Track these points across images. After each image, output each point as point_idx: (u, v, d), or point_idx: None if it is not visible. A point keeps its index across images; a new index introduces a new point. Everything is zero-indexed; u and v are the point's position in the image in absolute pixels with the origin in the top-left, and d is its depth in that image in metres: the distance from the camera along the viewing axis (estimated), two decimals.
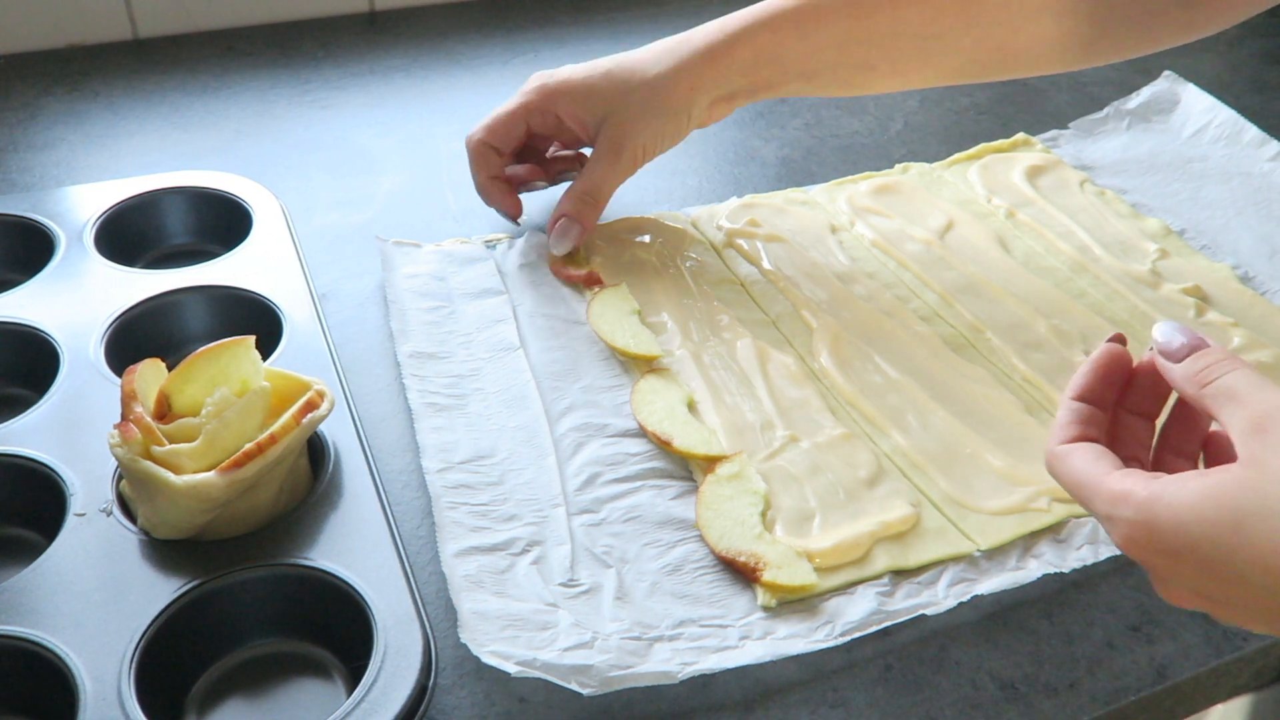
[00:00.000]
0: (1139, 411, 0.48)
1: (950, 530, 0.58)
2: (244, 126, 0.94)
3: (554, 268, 0.76)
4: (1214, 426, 0.46)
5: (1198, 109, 0.92)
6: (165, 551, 0.53)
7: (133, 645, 0.48)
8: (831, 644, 0.52)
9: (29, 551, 0.54)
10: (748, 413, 0.64)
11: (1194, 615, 0.55)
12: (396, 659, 0.48)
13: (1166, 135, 0.92)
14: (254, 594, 0.52)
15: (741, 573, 0.55)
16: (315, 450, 0.59)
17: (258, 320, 0.67)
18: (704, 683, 0.51)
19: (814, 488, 0.60)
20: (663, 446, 0.62)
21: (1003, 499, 0.59)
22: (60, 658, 0.48)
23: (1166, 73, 0.96)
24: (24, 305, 0.68)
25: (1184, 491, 0.40)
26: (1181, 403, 0.46)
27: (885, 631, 0.53)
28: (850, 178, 0.87)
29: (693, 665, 0.50)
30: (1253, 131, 0.89)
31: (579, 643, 0.51)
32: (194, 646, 0.51)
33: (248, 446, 0.52)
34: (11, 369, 0.66)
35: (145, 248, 0.77)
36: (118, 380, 0.57)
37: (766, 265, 0.76)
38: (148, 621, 0.49)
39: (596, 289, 0.73)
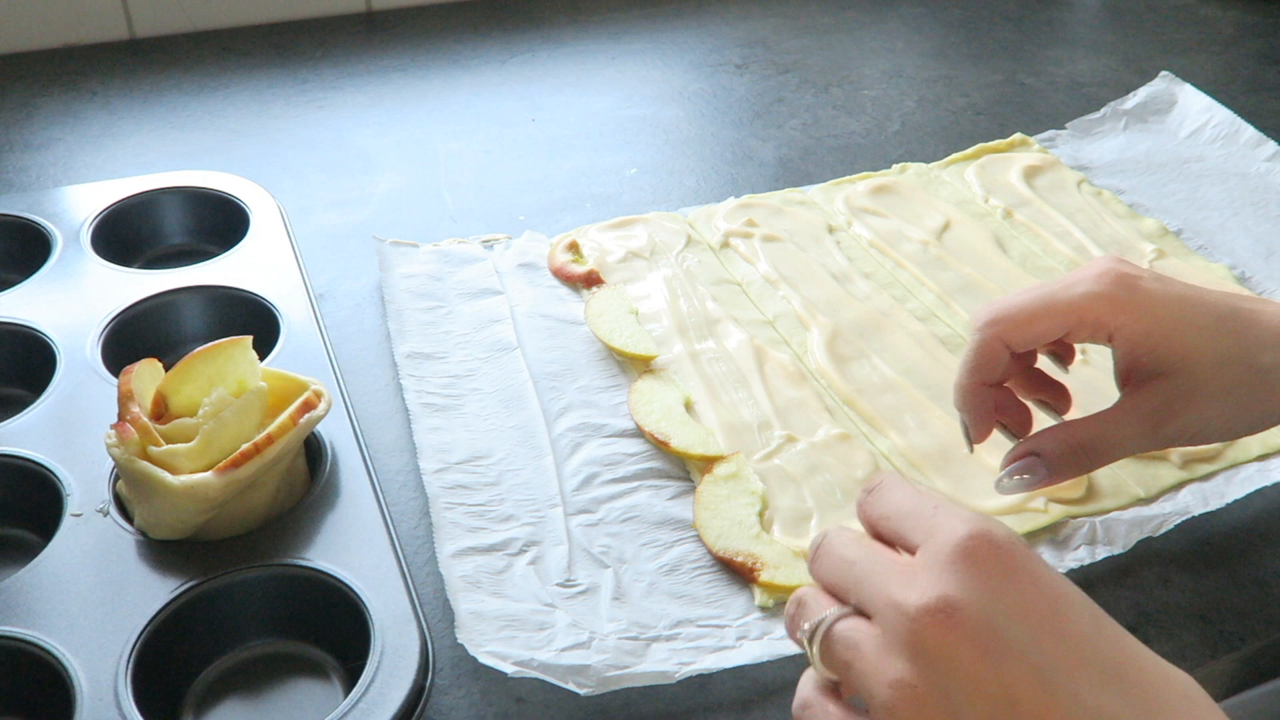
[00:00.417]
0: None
1: None
2: (241, 126, 0.94)
3: (553, 267, 0.76)
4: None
5: (1194, 109, 0.93)
6: (162, 552, 0.53)
7: (129, 645, 0.48)
8: None
9: (26, 552, 0.54)
10: (745, 413, 0.64)
11: (1191, 615, 0.55)
12: (394, 659, 0.48)
13: (1163, 135, 0.92)
14: (251, 594, 0.52)
15: (739, 573, 0.55)
16: (312, 450, 0.59)
17: (255, 320, 0.67)
18: (701, 683, 0.51)
19: (811, 488, 0.60)
20: (660, 447, 0.62)
21: (999, 499, 0.59)
22: (57, 658, 0.48)
23: (1163, 73, 0.96)
24: (21, 305, 0.67)
25: None
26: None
27: None
28: (848, 178, 0.87)
29: (690, 665, 0.50)
30: (1249, 132, 0.89)
31: (576, 643, 0.51)
32: (191, 647, 0.51)
33: (245, 447, 0.52)
34: (8, 369, 0.66)
35: (142, 248, 0.76)
36: (114, 380, 0.57)
37: (764, 265, 0.76)
38: (144, 622, 0.49)
39: (594, 289, 0.73)
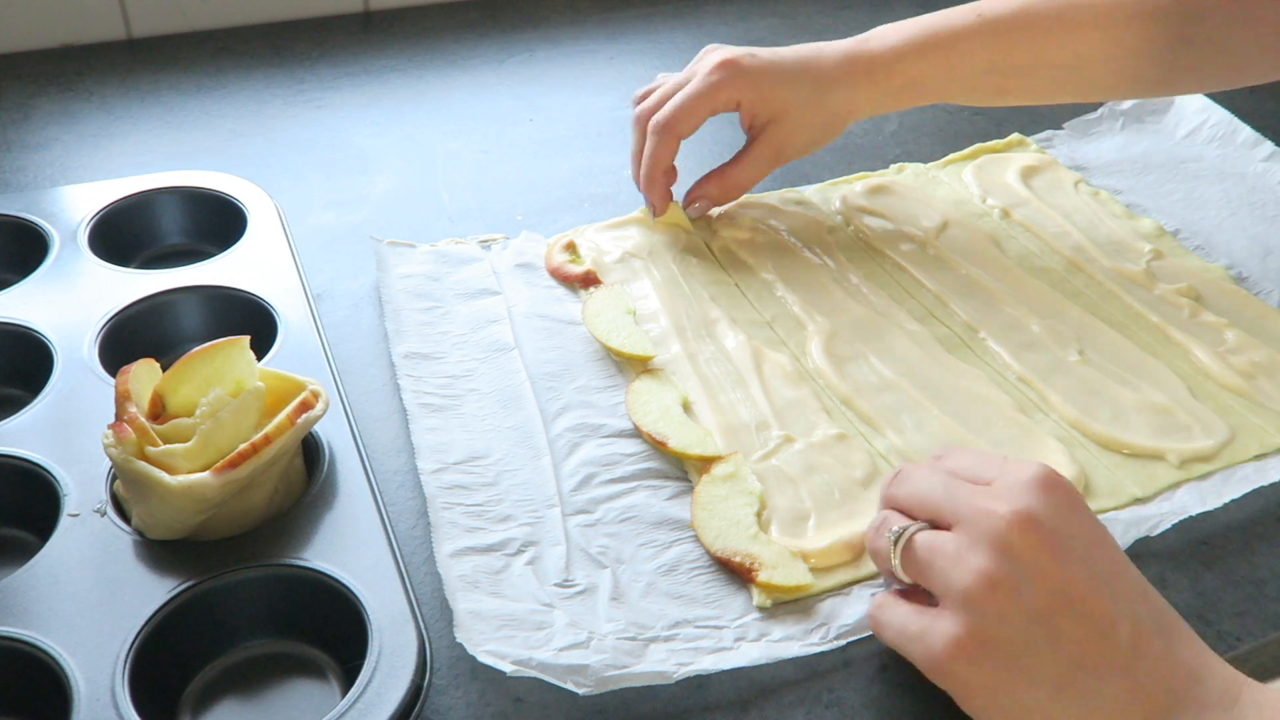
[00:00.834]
0: None
1: None
2: (239, 126, 0.93)
3: (551, 267, 0.76)
4: None
5: (1191, 110, 0.93)
6: (159, 552, 0.53)
7: (127, 646, 0.48)
8: (827, 647, 0.52)
9: (23, 552, 0.54)
10: (743, 413, 0.64)
11: (1188, 615, 0.55)
12: (391, 659, 0.48)
13: (1160, 136, 0.92)
14: (249, 594, 0.52)
15: (737, 573, 0.55)
16: (310, 451, 0.59)
17: (252, 320, 0.67)
18: (699, 683, 0.51)
19: (809, 488, 0.60)
20: (658, 447, 0.62)
21: None
22: (54, 658, 0.48)
23: None
24: (18, 305, 0.67)
25: None
26: None
27: None
28: (845, 178, 0.87)
29: (688, 665, 0.50)
30: (1246, 132, 0.89)
31: (574, 643, 0.51)
32: (188, 647, 0.51)
33: (242, 447, 0.52)
34: (5, 369, 0.65)
35: (139, 248, 0.76)
36: (112, 380, 0.57)
37: (762, 265, 0.76)
38: (142, 622, 0.49)
39: (592, 289, 0.73)
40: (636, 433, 0.63)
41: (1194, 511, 0.59)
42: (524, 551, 0.55)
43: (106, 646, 0.48)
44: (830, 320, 0.71)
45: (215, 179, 0.79)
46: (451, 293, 0.73)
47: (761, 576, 0.54)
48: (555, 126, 0.94)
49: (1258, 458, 0.62)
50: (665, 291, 0.73)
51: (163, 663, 0.49)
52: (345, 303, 0.73)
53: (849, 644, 0.53)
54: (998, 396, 0.66)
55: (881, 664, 0.52)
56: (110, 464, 0.55)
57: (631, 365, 0.68)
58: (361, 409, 0.64)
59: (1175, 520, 0.58)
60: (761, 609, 0.54)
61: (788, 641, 0.52)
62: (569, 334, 0.70)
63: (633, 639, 0.51)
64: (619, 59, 1.05)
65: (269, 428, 0.53)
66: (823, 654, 0.52)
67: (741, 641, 0.52)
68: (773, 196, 0.84)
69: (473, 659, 0.49)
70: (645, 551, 0.56)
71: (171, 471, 0.51)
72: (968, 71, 0.75)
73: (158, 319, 0.68)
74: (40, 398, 0.61)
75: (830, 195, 0.85)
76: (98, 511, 0.55)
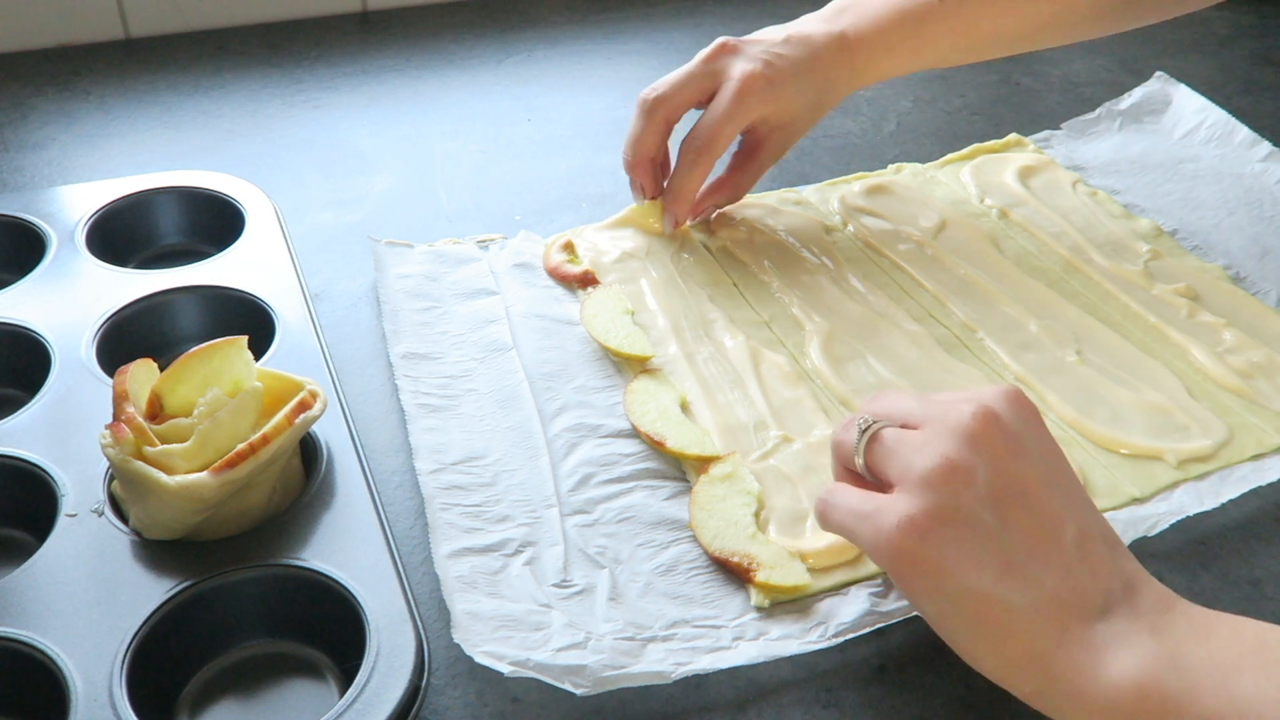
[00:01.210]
0: None
1: None
2: (236, 126, 0.93)
3: (549, 267, 0.76)
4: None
5: (1189, 110, 0.93)
6: (157, 552, 0.53)
7: (124, 646, 0.48)
8: (824, 645, 0.52)
9: (20, 552, 0.54)
10: (741, 413, 0.64)
11: None
12: (389, 659, 0.48)
13: (1158, 136, 0.92)
14: (246, 594, 0.52)
15: (735, 573, 0.55)
16: (308, 451, 0.59)
17: (250, 320, 0.67)
18: (697, 683, 0.51)
19: (807, 488, 0.60)
20: (656, 447, 0.62)
21: None
22: (51, 658, 0.48)
23: (1158, 74, 0.96)
24: (15, 305, 0.67)
25: None
26: None
27: (878, 631, 0.53)
28: (843, 178, 0.87)
29: (686, 666, 0.50)
30: (1244, 132, 0.89)
31: (572, 643, 0.51)
32: (186, 647, 0.51)
33: (240, 447, 0.52)
34: (2, 369, 0.65)
35: (137, 248, 0.76)
36: (109, 380, 0.57)
37: (760, 265, 0.76)
38: (139, 622, 0.49)
39: (590, 289, 0.73)
40: (634, 433, 0.63)
41: (1192, 512, 0.59)
42: (522, 552, 0.55)
43: (104, 647, 0.48)
44: (828, 320, 0.71)
45: (213, 179, 0.79)
46: (449, 293, 0.73)
47: (759, 576, 0.54)
48: (553, 126, 0.94)
49: (1255, 458, 0.62)
50: (663, 291, 0.73)
51: (160, 663, 0.49)
52: (343, 303, 0.73)
53: (847, 643, 0.52)
54: None
55: (880, 664, 0.52)
56: (108, 464, 0.55)
57: (629, 365, 0.68)
58: (359, 409, 0.64)
59: (1173, 520, 0.58)
60: (759, 609, 0.54)
61: (786, 640, 0.52)
62: (567, 334, 0.70)
63: (630, 639, 0.51)
64: (617, 59, 1.05)
65: (267, 428, 0.53)
66: (821, 654, 0.52)
67: (739, 641, 0.52)
68: (771, 196, 0.84)
69: (470, 659, 0.49)
70: (643, 551, 0.56)
71: (169, 472, 0.51)
72: (934, 56, 0.79)
73: (155, 319, 0.68)
74: (38, 398, 0.61)
75: (828, 195, 0.85)
76: (95, 512, 0.55)
